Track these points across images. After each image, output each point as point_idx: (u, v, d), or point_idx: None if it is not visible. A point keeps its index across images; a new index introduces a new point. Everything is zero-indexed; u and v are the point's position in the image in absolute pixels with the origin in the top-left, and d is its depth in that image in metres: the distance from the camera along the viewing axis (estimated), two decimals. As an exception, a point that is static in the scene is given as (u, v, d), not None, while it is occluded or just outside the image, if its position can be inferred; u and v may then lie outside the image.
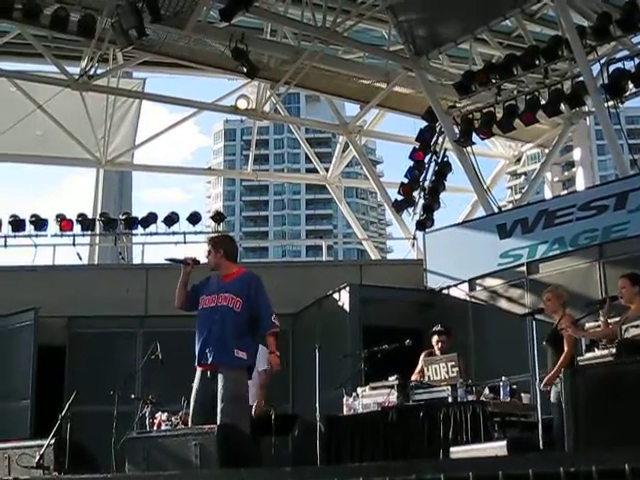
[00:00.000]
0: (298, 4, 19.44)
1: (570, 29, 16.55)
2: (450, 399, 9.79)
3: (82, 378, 15.40)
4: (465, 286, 15.38)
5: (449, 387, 9.86)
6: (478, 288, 15.20)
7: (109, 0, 16.88)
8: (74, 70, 20.37)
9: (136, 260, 20.61)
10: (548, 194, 24.08)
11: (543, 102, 17.66)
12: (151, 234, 19.95)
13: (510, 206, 27.50)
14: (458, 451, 8.48)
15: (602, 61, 17.17)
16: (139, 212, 20.81)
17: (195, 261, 8.26)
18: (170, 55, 20.59)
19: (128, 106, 23.68)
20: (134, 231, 20.22)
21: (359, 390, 10.77)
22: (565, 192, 24.32)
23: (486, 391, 9.88)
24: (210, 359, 7.91)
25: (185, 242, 19.68)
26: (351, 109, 28.93)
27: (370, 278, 17.42)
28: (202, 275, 8.39)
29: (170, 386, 11.65)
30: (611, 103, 16.38)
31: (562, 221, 14.87)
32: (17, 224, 19.34)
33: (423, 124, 20.42)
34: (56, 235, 19.64)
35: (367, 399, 10.58)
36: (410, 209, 20.37)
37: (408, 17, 19.25)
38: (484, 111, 18.44)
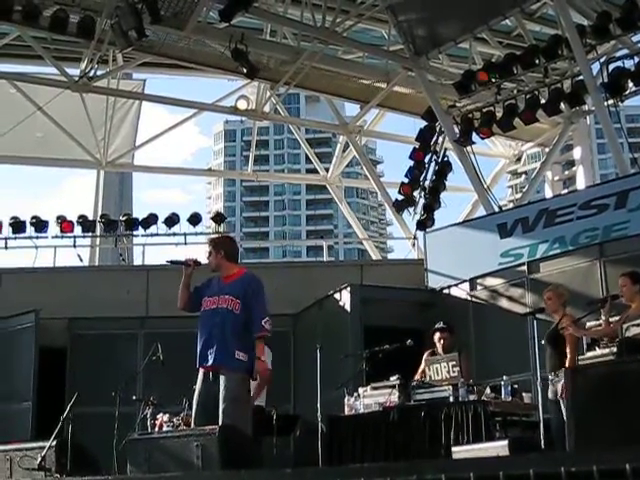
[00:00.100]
0: (297, 4, 19.44)
1: (570, 28, 16.55)
2: (451, 399, 9.79)
3: (83, 380, 15.41)
4: (466, 286, 15.37)
5: (450, 387, 9.86)
6: (479, 287, 15.20)
7: (108, 1, 16.88)
8: (74, 72, 20.39)
9: (137, 261, 20.63)
10: (548, 193, 24.10)
11: (543, 101, 17.67)
12: (152, 235, 19.95)
13: (511, 205, 27.54)
14: (460, 451, 8.48)
15: (602, 60, 17.18)
16: (139, 213, 20.91)
17: (196, 262, 8.26)
18: (170, 56, 20.58)
19: (128, 107, 23.68)
20: (135, 232, 20.22)
21: (360, 390, 10.76)
22: (565, 191, 24.32)
23: (487, 391, 9.87)
24: (211, 361, 7.91)
25: (186, 243, 19.69)
26: (351, 109, 28.96)
27: (371, 278, 17.43)
28: (204, 276, 8.39)
29: (171, 387, 11.67)
30: (611, 102, 16.39)
31: (563, 220, 14.87)
32: (18, 226, 19.35)
33: (423, 124, 20.43)
34: (57, 237, 19.65)
35: (368, 399, 10.58)
36: (410, 209, 20.37)
37: (408, 17, 19.26)
38: (484, 110, 18.45)
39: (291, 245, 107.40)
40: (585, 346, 9.76)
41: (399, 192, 20.51)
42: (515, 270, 14.68)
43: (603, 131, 17.36)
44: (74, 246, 19.75)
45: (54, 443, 8.79)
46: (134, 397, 12.24)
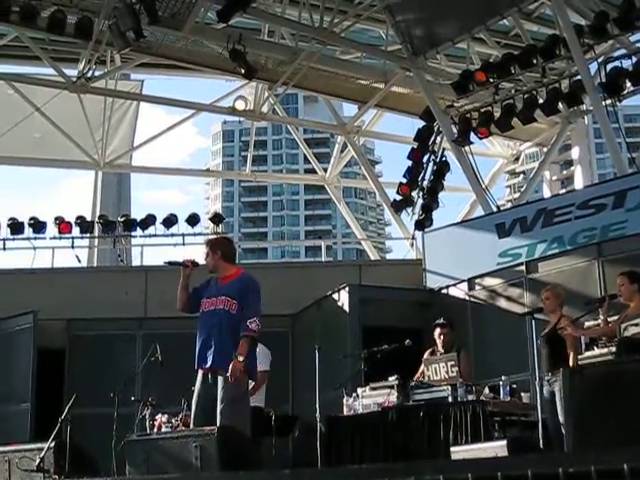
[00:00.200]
0: (295, 5, 19.43)
1: (567, 28, 16.56)
2: (450, 399, 9.79)
3: (82, 381, 15.42)
4: (464, 285, 15.38)
5: (449, 387, 9.87)
6: (477, 287, 15.21)
7: (106, 2, 16.86)
8: (72, 72, 20.35)
9: (135, 262, 20.61)
10: (547, 193, 24.09)
11: (541, 101, 17.68)
12: (150, 236, 19.94)
13: (509, 205, 27.57)
14: (458, 451, 8.48)
15: (600, 60, 17.18)
16: (138, 214, 20.89)
17: (194, 263, 8.27)
18: (168, 57, 20.56)
19: (126, 108, 23.65)
20: (133, 233, 20.21)
21: (359, 390, 10.77)
22: (564, 191, 24.32)
23: (486, 390, 9.89)
24: (209, 362, 7.93)
25: (184, 244, 19.68)
26: (349, 109, 29.04)
27: (369, 278, 17.44)
28: (202, 277, 8.40)
29: (170, 388, 11.68)
30: (609, 102, 16.38)
31: (561, 220, 14.88)
32: (16, 227, 19.34)
33: (421, 124, 20.44)
34: (55, 238, 19.64)
35: (367, 399, 10.58)
36: (409, 209, 20.38)
37: (405, 17, 19.27)
38: (482, 110, 18.45)
39: (289, 245, 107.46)
40: (583, 346, 9.78)
41: (397, 192, 20.52)
42: (513, 270, 14.69)
43: (601, 131, 17.36)
44: (72, 247, 19.75)
45: (53, 444, 8.79)
46: (133, 398, 12.24)
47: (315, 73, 21.53)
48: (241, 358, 7.81)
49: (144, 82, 23.20)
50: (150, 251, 20.48)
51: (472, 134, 18.71)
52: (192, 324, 8.26)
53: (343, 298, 15.36)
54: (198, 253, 8.50)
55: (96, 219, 20.63)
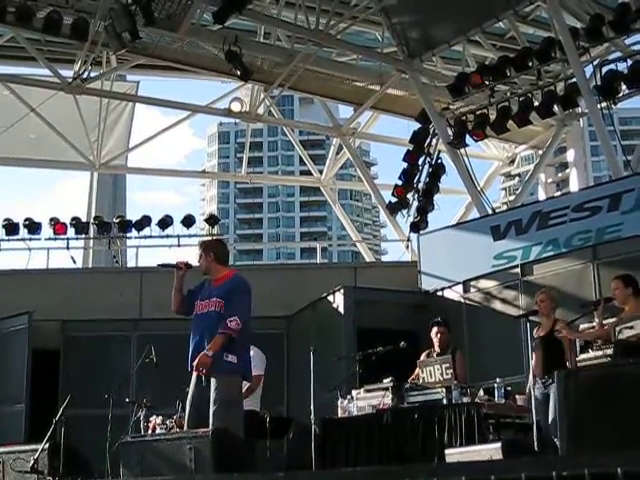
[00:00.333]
0: (291, 7, 19.44)
1: (563, 31, 16.57)
2: (445, 401, 9.80)
3: (76, 382, 15.42)
4: (459, 288, 15.38)
5: (444, 389, 9.87)
6: (472, 290, 15.20)
7: (102, 3, 16.85)
8: (67, 73, 20.36)
9: (130, 263, 20.60)
10: (542, 195, 24.11)
11: (536, 103, 17.68)
12: (145, 237, 19.94)
13: (504, 207, 27.54)
14: (453, 453, 8.48)
15: (595, 62, 17.22)
16: (133, 215, 20.89)
17: (187, 265, 8.29)
18: (164, 58, 20.54)
19: (122, 109, 23.65)
20: (128, 234, 20.20)
21: (354, 392, 10.77)
22: (559, 193, 24.30)
23: (481, 393, 9.88)
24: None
25: (179, 245, 19.67)
26: (345, 111, 28.95)
27: (364, 280, 17.43)
28: (198, 279, 8.41)
29: (165, 389, 11.67)
30: (604, 104, 16.38)
31: (556, 222, 14.87)
32: (11, 228, 19.32)
33: (417, 126, 20.44)
34: (50, 239, 19.63)
35: (362, 401, 10.59)
36: (404, 211, 20.38)
37: (401, 19, 19.27)
38: (477, 113, 18.46)
39: (285, 247, 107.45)
40: (578, 348, 9.79)
41: (393, 194, 20.52)
42: (508, 272, 14.69)
43: (596, 133, 17.40)
44: (67, 248, 19.74)
45: (47, 446, 8.79)
46: (127, 399, 12.25)
47: (311, 75, 21.52)
48: (210, 353, 7.82)
49: (140, 83, 23.23)
50: (145, 252, 20.46)
51: (467, 136, 18.71)
52: (187, 325, 8.26)
53: (338, 300, 15.36)
54: (193, 254, 8.51)
55: (91, 220, 20.62)
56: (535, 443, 8.78)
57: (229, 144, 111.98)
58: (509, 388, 10.00)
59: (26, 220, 19.45)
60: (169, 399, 10.99)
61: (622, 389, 5.82)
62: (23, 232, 19.37)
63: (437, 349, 10.99)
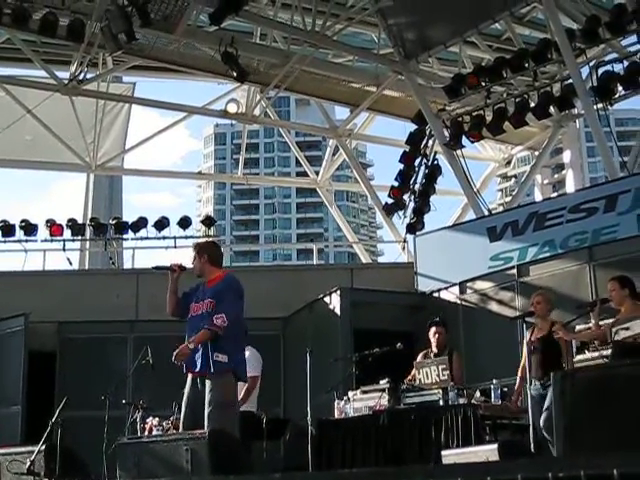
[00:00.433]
0: (288, 8, 19.44)
1: (559, 32, 16.58)
2: (441, 402, 9.80)
3: (73, 383, 15.40)
4: (456, 289, 15.38)
5: (440, 390, 9.87)
6: (469, 291, 15.21)
7: (98, 5, 16.84)
8: (63, 75, 20.35)
9: (126, 265, 20.61)
10: (538, 196, 24.13)
11: (533, 105, 17.70)
12: (141, 239, 19.95)
13: (500, 209, 27.58)
14: (449, 454, 8.48)
15: (591, 64, 17.23)
16: (129, 216, 20.82)
17: (181, 267, 8.30)
18: (160, 59, 20.54)
19: (118, 110, 23.64)
20: (124, 236, 20.23)
21: (350, 394, 10.77)
22: (555, 194, 24.33)
23: (477, 394, 9.88)
24: (197, 366, 7.93)
25: (175, 247, 19.66)
26: (341, 112, 28.93)
27: (361, 281, 17.44)
28: (192, 281, 8.41)
29: (161, 391, 11.65)
30: (600, 105, 16.40)
31: (552, 223, 14.87)
32: (7, 229, 19.30)
33: (413, 127, 20.45)
34: (46, 240, 19.59)
35: (358, 403, 10.58)
36: (400, 212, 20.41)
37: (398, 20, 19.29)
38: (474, 114, 18.47)
39: (281, 248, 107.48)
40: (574, 349, 9.79)
41: (389, 195, 20.54)
42: (505, 273, 14.70)
43: (592, 135, 17.38)
44: (64, 250, 19.71)
45: (43, 447, 8.77)
46: (124, 401, 12.22)
47: (307, 76, 21.53)
48: (191, 345, 7.89)
49: (136, 85, 23.23)
50: (141, 254, 20.50)
51: (464, 138, 18.73)
52: (183, 327, 8.27)
53: (335, 301, 15.36)
54: (189, 256, 8.51)
55: (87, 222, 20.60)
56: (532, 444, 8.78)
57: (225, 145, 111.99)
58: (505, 389, 9.99)
59: (22, 222, 19.42)
60: (166, 401, 10.96)
61: (618, 390, 5.81)
62: (19, 234, 19.35)
63: (434, 349, 10.99)
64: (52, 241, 19.60)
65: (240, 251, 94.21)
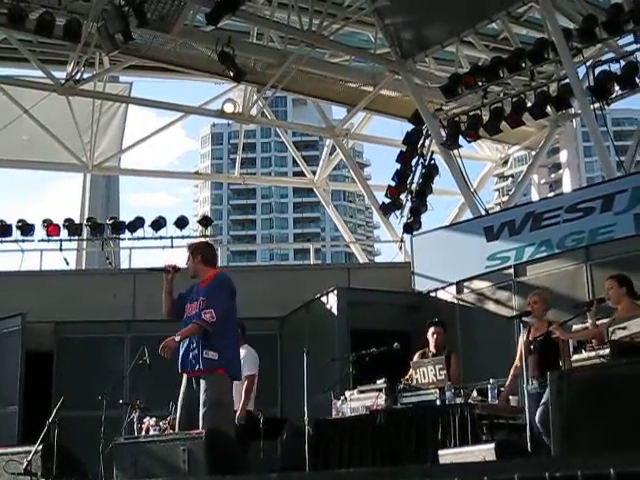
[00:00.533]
0: (284, 8, 19.44)
1: (556, 31, 16.59)
2: (438, 402, 9.79)
3: (70, 383, 15.40)
4: (453, 289, 15.39)
5: (437, 390, 9.86)
6: (466, 290, 15.21)
7: (95, 4, 16.83)
8: (60, 75, 20.33)
9: (123, 265, 20.59)
10: (535, 196, 24.14)
11: (529, 104, 17.71)
12: (138, 239, 19.94)
13: (497, 208, 27.56)
14: (446, 454, 8.48)
15: (588, 63, 17.26)
16: (126, 216, 20.81)
17: (175, 268, 8.30)
18: (156, 59, 20.51)
19: (114, 110, 23.62)
20: (121, 236, 20.21)
21: (347, 393, 10.76)
22: (552, 194, 24.34)
23: (474, 393, 9.87)
24: (192, 366, 7.94)
25: (172, 246, 19.65)
26: (338, 112, 28.97)
27: (358, 281, 17.43)
28: (187, 282, 8.42)
29: (158, 391, 11.66)
30: (597, 105, 16.42)
31: (549, 223, 14.89)
32: (4, 229, 19.29)
33: (410, 127, 20.46)
34: (43, 240, 19.58)
35: (355, 402, 10.57)
36: (397, 212, 20.41)
37: (394, 20, 19.29)
38: (470, 114, 18.48)
39: (278, 248, 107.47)
40: (571, 349, 9.78)
41: (386, 195, 20.55)
42: (502, 273, 14.71)
43: (589, 134, 17.43)
44: (60, 250, 19.70)
45: (40, 447, 8.77)
46: (121, 401, 12.22)
47: (304, 76, 21.53)
48: (177, 338, 7.90)
49: (133, 84, 23.22)
50: (138, 254, 20.47)
51: (461, 137, 18.74)
52: (180, 327, 8.26)
53: (332, 301, 15.36)
54: (186, 256, 8.51)
55: (84, 222, 20.59)
56: (529, 444, 8.78)
57: (222, 145, 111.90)
58: (502, 389, 10.00)
59: (19, 222, 19.41)
60: (162, 401, 10.96)
61: (615, 390, 5.82)
62: (16, 234, 19.34)
63: (432, 350, 10.97)
64: (49, 241, 19.60)
65: (237, 251, 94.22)
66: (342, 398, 10.74)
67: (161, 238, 19.75)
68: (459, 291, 15.28)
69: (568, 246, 14.36)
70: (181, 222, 19.92)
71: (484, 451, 8.06)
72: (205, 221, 21.17)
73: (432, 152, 20.12)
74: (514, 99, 17.88)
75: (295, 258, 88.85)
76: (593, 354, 8.77)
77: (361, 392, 10.62)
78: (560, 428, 5.80)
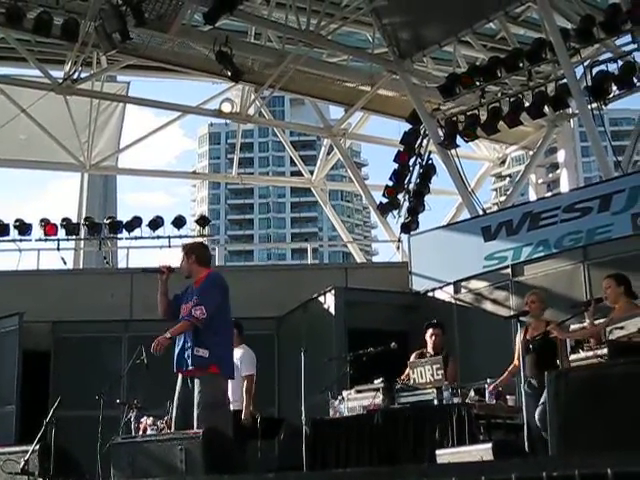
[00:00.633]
0: (282, 7, 19.43)
1: (554, 32, 16.59)
2: (435, 402, 9.79)
3: (67, 383, 15.39)
4: (450, 288, 15.39)
5: (434, 390, 9.86)
6: (463, 290, 15.21)
7: (92, 4, 16.82)
8: (58, 74, 20.31)
9: (121, 264, 20.58)
10: (532, 196, 24.16)
11: (527, 104, 17.70)
12: (136, 238, 19.93)
13: (495, 208, 27.58)
14: (444, 454, 8.47)
15: (586, 63, 17.26)
16: (124, 216, 20.80)
17: (169, 269, 8.31)
18: (154, 59, 20.51)
19: (112, 110, 23.61)
20: (119, 235, 20.19)
21: (345, 393, 10.75)
22: (549, 194, 24.40)
23: (471, 393, 9.88)
24: (187, 366, 7.94)
25: (170, 246, 19.62)
26: (335, 112, 28.92)
27: (355, 281, 17.43)
28: (182, 282, 8.43)
29: (155, 390, 11.63)
30: (595, 105, 16.43)
31: (546, 223, 14.89)
32: (1, 229, 19.26)
33: (407, 127, 20.46)
34: (40, 240, 19.57)
35: (353, 402, 10.57)
36: (395, 212, 20.41)
37: (392, 20, 19.28)
38: (468, 114, 18.49)
39: (276, 248, 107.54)
40: (569, 349, 9.78)
41: (383, 195, 20.55)
42: (499, 273, 14.71)
43: (587, 134, 17.40)
44: (58, 249, 19.69)
45: (37, 447, 8.76)
46: (118, 400, 12.22)
47: (302, 76, 21.52)
48: (168, 335, 7.93)
49: (130, 84, 23.19)
50: (136, 253, 20.45)
51: (458, 137, 18.74)
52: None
53: (329, 301, 15.35)
54: (178, 257, 8.53)
55: (82, 221, 20.56)
56: (526, 443, 8.79)
57: (220, 145, 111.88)
58: (500, 389, 10.00)
59: (16, 221, 19.39)
60: (160, 400, 10.94)
61: (612, 389, 5.82)
62: (13, 233, 19.31)
63: (430, 351, 10.97)
64: (46, 240, 19.58)
65: (234, 250, 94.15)
66: (339, 398, 10.74)
67: (158, 238, 19.75)
68: (457, 291, 15.28)
69: (566, 246, 14.37)
70: (179, 222, 19.91)
71: (481, 451, 8.06)
72: (202, 221, 21.17)
73: (430, 152, 20.13)
74: (512, 99, 17.89)
75: (293, 258, 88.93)
76: (591, 354, 8.76)
77: (358, 392, 10.62)
78: (557, 428, 5.80)
